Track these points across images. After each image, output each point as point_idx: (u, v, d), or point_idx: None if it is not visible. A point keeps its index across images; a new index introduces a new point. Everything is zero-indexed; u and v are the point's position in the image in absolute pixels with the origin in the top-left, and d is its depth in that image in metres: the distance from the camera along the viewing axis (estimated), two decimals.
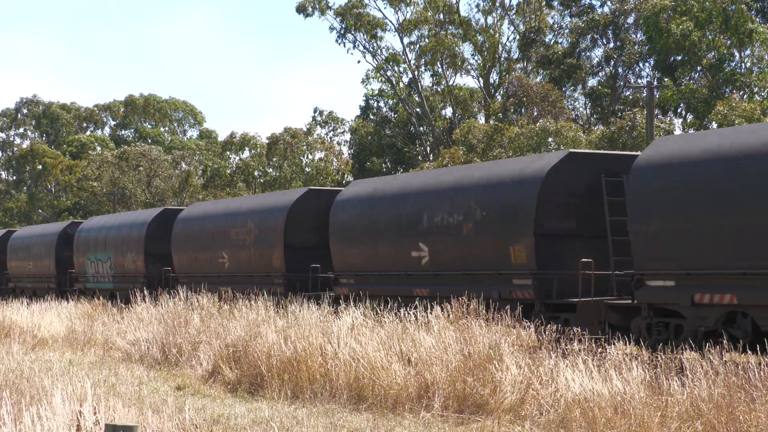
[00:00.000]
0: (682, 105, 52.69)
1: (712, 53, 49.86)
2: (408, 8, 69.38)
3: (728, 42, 49.17)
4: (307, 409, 15.82)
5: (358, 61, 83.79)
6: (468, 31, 68.38)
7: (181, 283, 33.38)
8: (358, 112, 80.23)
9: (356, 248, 27.03)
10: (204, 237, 34.46)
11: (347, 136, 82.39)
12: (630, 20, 58.98)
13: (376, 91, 76.99)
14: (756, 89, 50.14)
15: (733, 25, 47.62)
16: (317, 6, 69.23)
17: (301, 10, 69.46)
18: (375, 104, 77.94)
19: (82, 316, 31.76)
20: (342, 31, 69.79)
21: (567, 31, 62.84)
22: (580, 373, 14.45)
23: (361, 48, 70.50)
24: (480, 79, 70.06)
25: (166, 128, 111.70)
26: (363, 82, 76.20)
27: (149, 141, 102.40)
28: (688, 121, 54.01)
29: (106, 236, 41.30)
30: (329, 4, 69.46)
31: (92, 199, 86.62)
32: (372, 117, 76.88)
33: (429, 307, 19.30)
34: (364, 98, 78.70)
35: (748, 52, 50.50)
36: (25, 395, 13.13)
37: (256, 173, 77.33)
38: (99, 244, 41.73)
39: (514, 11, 69.42)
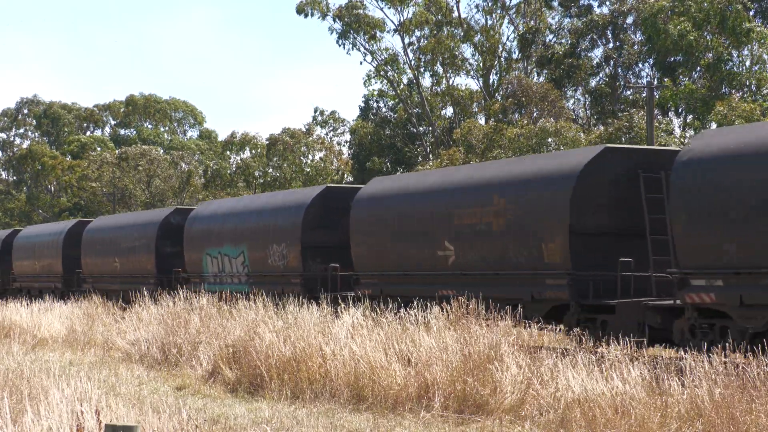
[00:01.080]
0: (681, 105, 52.70)
1: (710, 53, 49.89)
2: (409, 8, 69.37)
3: (726, 42, 49.19)
4: (307, 409, 15.82)
5: (361, 63, 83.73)
6: (468, 31, 68.38)
7: (365, 283, 26.62)
8: (358, 112, 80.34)
9: (736, 232, 17.30)
10: (408, 222, 25.34)
11: (347, 136, 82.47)
12: (629, 20, 59.01)
13: (377, 91, 76.98)
14: (755, 89, 50.17)
15: (730, 25, 47.68)
16: (317, 7, 69.22)
17: (300, 11, 69.49)
18: (374, 105, 77.96)
19: (82, 316, 31.75)
20: (341, 32, 69.79)
21: (566, 31, 62.87)
22: (580, 372, 14.46)
23: (361, 49, 70.54)
24: (480, 79, 70.09)
25: (166, 128, 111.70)
26: (365, 82, 76.19)
27: (150, 143, 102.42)
28: (688, 121, 54.03)
29: (236, 225, 32.35)
30: (328, 5, 69.47)
31: (92, 200, 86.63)
32: (372, 118, 76.89)
33: None
34: (363, 99, 78.74)
35: (746, 52, 50.53)
36: (25, 395, 13.13)
37: (256, 173, 77.39)
38: (224, 236, 32.82)
39: (513, 11, 69.42)
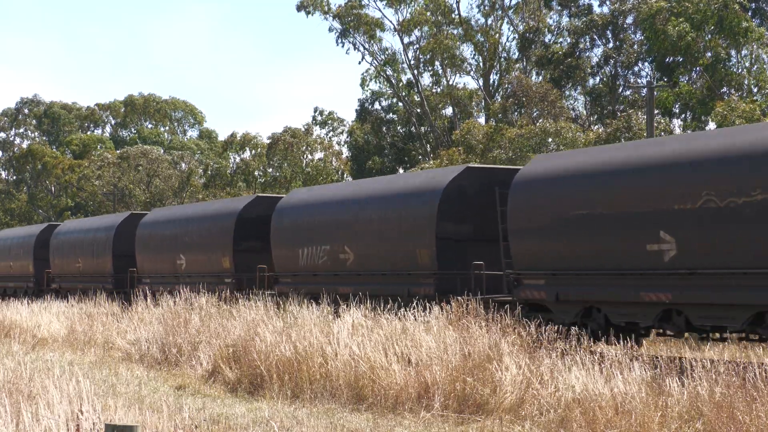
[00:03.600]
0: (678, 106, 52.66)
1: (709, 54, 49.87)
2: (408, 8, 69.29)
3: (724, 43, 49.18)
4: (308, 409, 15.82)
5: (359, 62, 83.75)
6: (468, 31, 68.33)
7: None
8: (355, 114, 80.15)
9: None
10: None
11: (346, 136, 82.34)
12: (629, 20, 58.95)
13: (376, 90, 76.78)
14: (756, 89, 50.15)
15: (727, 25, 47.69)
16: (318, 6, 69.19)
17: (301, 8, 69.45)
18: (370, 107, 77.64)
19: (82, 316, 31.71)
20: (341, 32, 69.73)
21: (566, 31, 62.80)
22: (580, 372, 14.46)
23: (360, 49, 70.48)
24: (480, 79, 70.04)
25: (167, 128, 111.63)
26: (361, 84, 75.79)
27: (150, 142, 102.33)
28: (687, 121, 54.00)
29: None
30: (329, 4, 69.44)
31: (92, 200, 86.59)
32: (369, 119, 76.71)
33: None
34: (359, 103, 78.32)
35: (744, 52, 50.50)
36: (25, 395, 13.12)
37: (256, 173, 77.35)
38: None
39: (512, 11, 69.34)
